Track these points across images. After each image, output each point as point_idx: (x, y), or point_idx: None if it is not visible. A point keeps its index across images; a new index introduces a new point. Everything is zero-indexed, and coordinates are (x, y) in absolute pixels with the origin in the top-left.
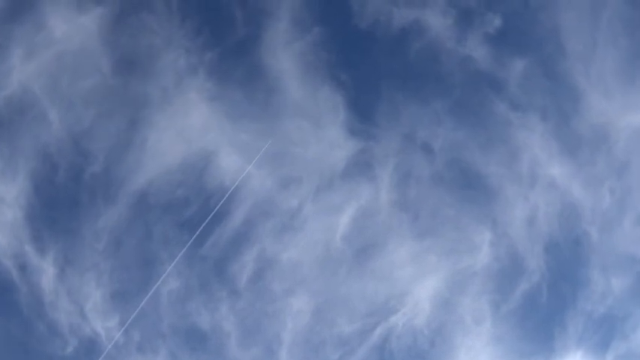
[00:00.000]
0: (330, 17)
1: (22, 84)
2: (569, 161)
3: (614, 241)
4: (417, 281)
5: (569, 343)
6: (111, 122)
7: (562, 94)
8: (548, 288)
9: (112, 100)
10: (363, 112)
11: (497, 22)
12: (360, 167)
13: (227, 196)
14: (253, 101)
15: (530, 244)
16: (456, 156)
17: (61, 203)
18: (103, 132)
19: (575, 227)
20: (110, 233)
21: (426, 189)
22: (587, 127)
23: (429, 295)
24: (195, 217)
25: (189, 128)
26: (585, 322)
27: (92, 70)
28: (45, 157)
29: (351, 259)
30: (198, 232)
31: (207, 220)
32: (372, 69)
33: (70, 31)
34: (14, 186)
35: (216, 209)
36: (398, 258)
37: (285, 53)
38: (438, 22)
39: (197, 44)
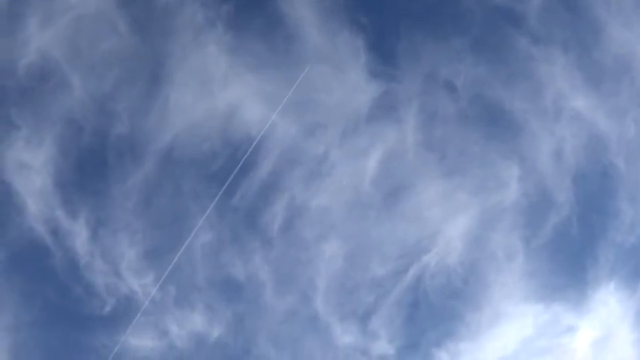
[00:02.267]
0: None
1: (42, 51)
2: (592, 93)
3: None
4: (448, 220)
5: (601, 274)
6: (132, 82)
7: (582, 25)
8: (578, 220)
9: (132, 60)
10: (384, 54)
11: None
12: (384, 110)
13: (253, 146)
14: (273, 50)
15: (557, 177)
16: (479, 93)
17: (88, 166)
18: (125, 93)
19: (601, 158)
20: (139, 192)
21: (451, 127)
22: (609, 58)
23: (459, 233)
24: (223, 169)
25: (210, 82)
26: (616, 252)
27: (110, 32)
28: (69, 121)
29: (381, 201)
30: (227, 185)
31: (235, 172)
32: (390, 10)
33: None
34: (41, 152)
35: (243, 160)
36: (427, 198)
37: (301, 0)
38: None
39: None
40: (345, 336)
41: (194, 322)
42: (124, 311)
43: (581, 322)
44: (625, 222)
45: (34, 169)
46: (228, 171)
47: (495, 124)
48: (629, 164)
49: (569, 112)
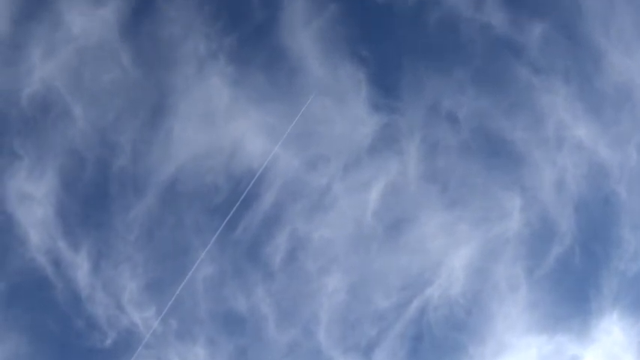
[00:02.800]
0: None
1: (45, 82)
2: (594, 121)
3: None
4: (450, 251)
5: (605, 303)
6: (135, 114)
7: (583, 54)
8: (581, 249)
9: (135, 92)
10: (386, 86)
11: None
12: (387, 142)
13: (255, 179)
14: (275, 83)
15: (560, 206)
16: (481, 124)
17: (91, 197)
18: (128, 124)
19: (603, 187)
20: (141, 224)
21: (453, 159)
22: (610, 86)
23: (462, 264)
24: (225, 202)
25: (213, 114)
26: (619, 281)
27: (113, 63)
28: (72, 152)
29: (383, 234)
30: (229, 217)
31: (237, 205)
32: (391, 42)
33: (88, 26)
34: (43, 183)
35: (245, 193)
36: (429, 230)
37: (304, 32)
38: None
39: (216, 29)
40: None
41: (196, 356)
42: (126, 344)
43: (585, 352)
44: (628, 250)
45: (36, 199)
46: (230, 204)
47: (497, 154)
48: (631, 192)
49: (571, 142)
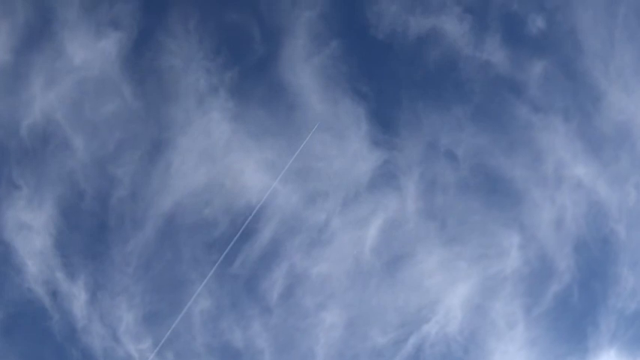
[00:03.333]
0: (347, 30)
1: (45, 112)
2: (593, 160)
3: None
4: (448, 289)
5: (603, 341)
6: (135, 146)
7: (582, 93)
8: (579, 288)
9: (135, 124)
10: (385, 123)
11: (513, 25)
12: (386, 178)
13: (254, 213)
14: (275, 118)
15: (558, 245)
16: (480, 161)
17: (89, 229)
18: (127, 156)
19: (602, 226)
20: (139, 256)
21: (451, 196)
22: (610, 125)
23: (460, 301)
24: (224, 236)
25: (212, 148)
26: (617, 319)
27: (113, 95)
28: (71, 183)
29: (381, 270)
30: (227, 251)
31: (235, 239)
32: (391, 79)
33: (90, 57)
34: (42, 213)
35: (243, 227)
36: (427, 267)
37: (304, 68)
38: (454, 29)
39: (217, 64)
40: None
41: None
42: None
43: None
44: (626, 288)
45: (34, 229)
46: (228, 238)
47: (496, 192)
48: (630, 231)
49: (570, 180)
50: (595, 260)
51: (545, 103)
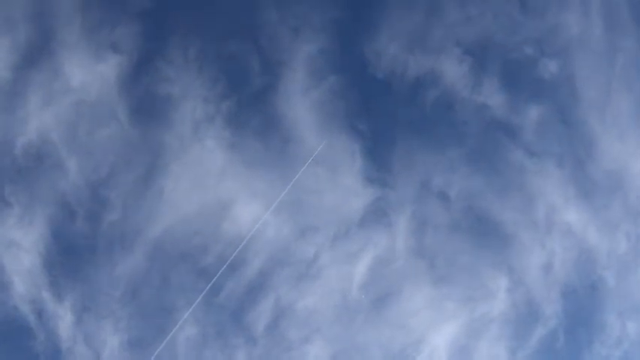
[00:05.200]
0: (345, 66)
1: (40, 132)
2: (584, 207)
3: (630, 285)
4: (434, 328)
5: None
6: (128, 170)
7: (577, 139)
8: (565, 333)
9: (130, 149)
10: (379, 160)
11: (512, 69)
12: (377, 215)
13: (243, 244)
14: (270, 150)
15: (546, 290)
16: (471, 203)
17: (78, 250)
18: (120, 180)
19: (591, 273)
20: (127, 281)
21: (442, 236)
22: (602, 173)
23: (445, 341)
24: (212, 265)
25: (205, 176)
26: None
27: (109, 119)
28: (63, 204)
29: (368, 307)
30: (214, 280)
31: (223, 268)
32: (388, 117)
33: (88, 80)
34: (32, 232)
35: (232, 257)
36: (414, 305)
37: (301, 102)
38: (452, 70)
39: (214, 93)
40: None
41: None
42: None
43: None
44: (612, 336)
45: (23, 247)
46: (217, 267)
47: (486, 234)
48: (618, 279)
49: (561, 226)
50: (582, 306)
51: (540, 148)
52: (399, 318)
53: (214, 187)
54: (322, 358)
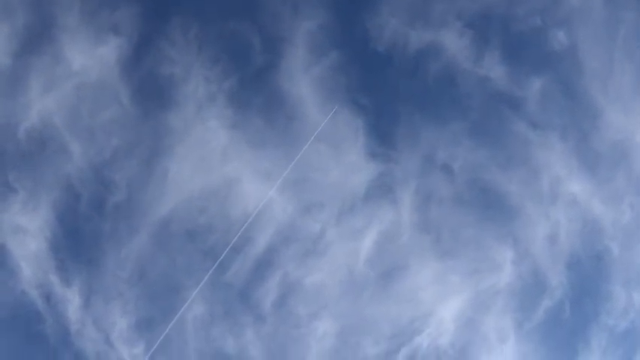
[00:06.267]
0: (347, 41)
1: (43, 116)
2: (589, 178)
3: (635, 256)
4: (441, 302)
5: (593, 358)
6: (132, 152)
7: (580, 111)
8: (571, 304)
9: (133, 131)
10: (383, 135)
11: (513, 41)
12: (381, 190)
13: (249, 222)
14: (273, 127)
15: (552, 261)
16: (476, 176)
17: (84, 233)
18: (124, 162)
19: (596, 243)
20: (134, 262)
21: (447, 210)
22: (607, 144)
23: (452, 315)
24: (218, 243)
25: (209, 156)
26: (608, 337)
27: (112, 101)
28: (67, 187)
29: (375, 281)
30: (221, 259)
31: (229, 247)
32: (390, 92)
33: (89, 63)
34: (38, 217)
35: (238, 235)
36: (421, 279)
37: (303, 79)
38: (454, 43)
39: (215, 72)
40: None
41: None
42: None
43: None
44: (618, 306)
45: (29, 232)
46: (223, 245)
47: (491, 207)
48: (623, 249)
49: (565, 197)
50: (588, 277)
51: (543, 120)
52: (405, 292)
53: (218, 167)
54: (331, 333)
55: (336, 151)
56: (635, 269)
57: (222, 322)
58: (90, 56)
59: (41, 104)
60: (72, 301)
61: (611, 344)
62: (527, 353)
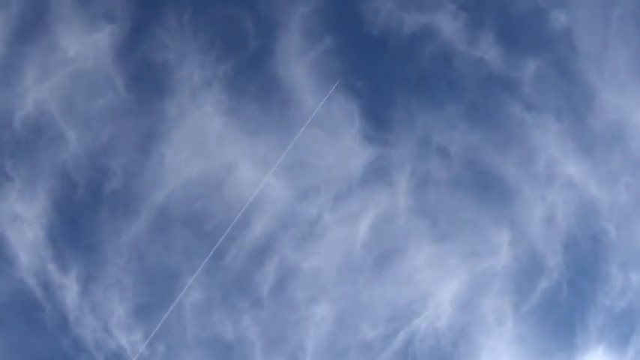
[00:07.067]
0: (341, 25)
1: (38, 104)
2: (585, 159)
3: (631, 236)
4: (438, 284)
5: (590, 339)
6: (128, 138)
7: (576, 92)
8: (568, 285)
9: (128, 117)
10: (378, 119)
11: (508, 23)
12: (377, 174)
13: (246, 207)
14: (268, 112)
15: (549, 243)
16: (472, 158)
17: (81, 220)
18: (120, 148)
19: (593, 224)
20: (131, 248)
21: (443, 193)
22: (602, 125)
23: (450, 297)
24: (216, 228)
25: (205, 142)
26: (605, 317)
27: (107, 88)
28: (64, 175)
29: (372, 265)
30: (218, 244)
31: (227, 232)
32: (385, 75)
33: (83, 50)
34: (34, 205)
35: (235, 220)
36: (418, 262)
37: (298, 63)
38: (448, 26)
39: (210, 58)
40: None
41: None
42: None
43: None
44: (615, 287)
45: (26, 221)
46: (220, 231)
47: (487, 189)
48: (620, 230)
49: (562, 179)
50: (585, 258)
51: (538, 102)
52: (403, 275)
53: (214, 152)
54: (329, 317)
55: (332, 136)
56: (632, 250)
57: (220, 308)
58: (84, 43)
59: (36, 92)
60: (70, 288)
61: (608, 325)
62: (524, 334)
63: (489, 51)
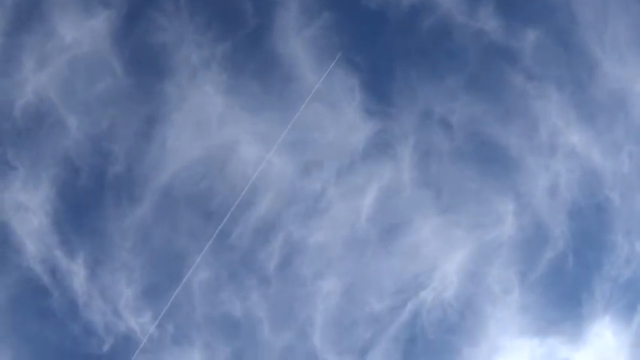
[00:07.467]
0: (338, 0)
1: (37, 92)
2: (587, 128)
3: (635, 205)
4: (444, 256)
5: (597, 308)
6: (129, 122)
7: (577, 62)
8: (574, 255)
9: (128, 100)
10: (379, 93)
11: None
12: (380, 147)
13: (249, 185)
14: (268, 90)
15: (553, 212)
16: (474, 130)
17: (86, 206)
18: (121, 132)
19: (597, 193)
20: (137, 231)
21: (446, 164)
22: (604, 94)
23: (456, 268)
24: (220, 208)
25: (206, 121)
26: (611, 286)
27: (105, 73)
28: (66, 161)
29: (378, 238)
30: (224, 223)
31: (231, 210)
32: (384, 49)
33: (80, 36)
34: (38, 193)
35: (239, 199)
36: (424, 234)
37: (297, 40)
38: None
39: (208, 38)
40: None
41: None
42: (123, 350)
43: (577, 355)
44: (620, 256)
45: (31, 209)
46: (225, 209)
47: (490, 160)
48: (624, 199)
49: (564, 148)
50: (589, 227)
51: (540, 72)
52: (409, 247)
53: (216, 132)
54: (336, 292)
55: (334, 111)
56: (637, 219)
57: (228, 286)
58: (81, 29)
59: (35, 80)
60: (77, 274)
61: (614, 294)
62: (531, 304)
63: (489, 22)
